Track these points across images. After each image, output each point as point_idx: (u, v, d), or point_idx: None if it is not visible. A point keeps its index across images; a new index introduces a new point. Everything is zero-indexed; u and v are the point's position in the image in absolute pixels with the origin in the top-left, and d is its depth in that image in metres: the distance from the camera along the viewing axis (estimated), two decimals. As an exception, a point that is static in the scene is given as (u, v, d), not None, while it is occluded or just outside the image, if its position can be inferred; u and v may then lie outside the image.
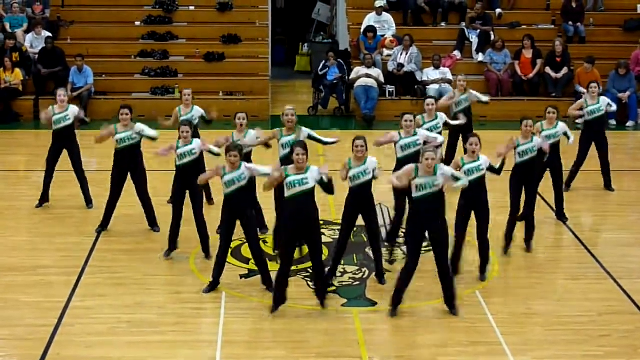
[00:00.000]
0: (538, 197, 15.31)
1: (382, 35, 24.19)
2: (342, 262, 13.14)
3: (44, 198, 15.67)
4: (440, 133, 14.64)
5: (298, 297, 12.01)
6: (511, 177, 13.75)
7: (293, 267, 12.73)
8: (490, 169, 12.51)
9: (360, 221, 12.53)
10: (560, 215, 15.29)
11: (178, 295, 12.33)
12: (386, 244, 13.59)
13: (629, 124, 22.61)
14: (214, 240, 12.96)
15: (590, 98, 16.66)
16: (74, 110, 15.42)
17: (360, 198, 12.32)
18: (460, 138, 16.33)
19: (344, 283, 12.68)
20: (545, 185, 15.23)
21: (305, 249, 12.85)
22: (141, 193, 14.44)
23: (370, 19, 24.49)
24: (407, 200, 12.92)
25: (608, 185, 17.08)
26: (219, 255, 12.25)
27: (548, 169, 14.85)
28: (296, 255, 12.55)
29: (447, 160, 15.63)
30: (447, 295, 11.74)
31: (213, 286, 12.30)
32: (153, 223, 14.57)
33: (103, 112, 21.92)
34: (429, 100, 15.06)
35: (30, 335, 11.08)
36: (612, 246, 14.40)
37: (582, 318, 11.71)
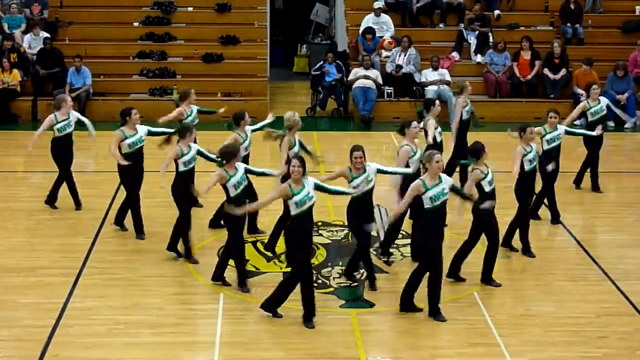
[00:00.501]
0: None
1: (381, 37, 24.20)
2: (340, 263, 13.17)
3: (77, 203, 15.66)
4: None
5: (296, 298, 11.99)
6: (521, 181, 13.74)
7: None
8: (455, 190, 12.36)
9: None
10: (555, 218, 15.32)
11: (176, 296, 12.33)
12: (380, 253, 13.60)
13: (627, 125, 22.62)
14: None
15: (591, 100, 16.74)
16: (75, 116, 15.41)
17: (363, 205, 12.32)
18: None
19: (341, 284, 12.68)
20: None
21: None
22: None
23: (368, 20, 24.49)
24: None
25: (596, 187, 17.10)
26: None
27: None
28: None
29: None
30: (435, 299, 11.72)
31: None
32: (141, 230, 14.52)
33: (101, 113, 21.91)
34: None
35: (28, 336, 11.07)
36: (610, 247, 14.41)
37: (580, 319, 11.72)
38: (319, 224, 14.56)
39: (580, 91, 21.23)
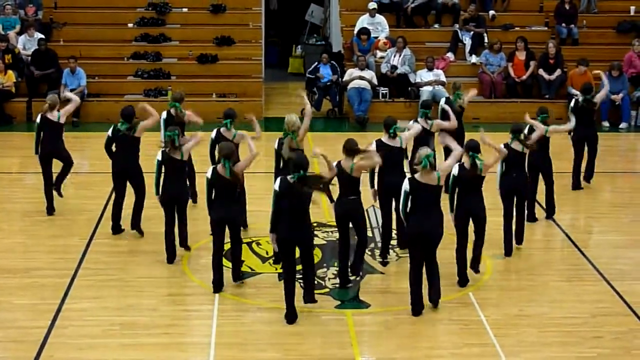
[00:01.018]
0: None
1: (376, 37, 24.20)
2: (335, 264, 13.17)
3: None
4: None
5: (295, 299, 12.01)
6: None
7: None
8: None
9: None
10: (549, 214, 15.45)
11: (171, 297, 12.33)
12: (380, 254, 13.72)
13: (622, 125, 22.64)
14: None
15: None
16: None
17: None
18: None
19: (337, 285, 12.68)
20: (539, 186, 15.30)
21: None
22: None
23: (363, 21, 24.49)
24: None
25: (578, 185, 17.24)
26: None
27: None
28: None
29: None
30: (435, 291, 11.85)
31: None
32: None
33: (96, 114, 21.91)
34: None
35: (23, 337, 11.06)
36: (605, 248, 14.42)
37: (575, 320, 11.73)
38: (314, 224, 14.55)
39: (575, 91, 21.22)
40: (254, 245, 13.95)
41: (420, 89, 22.73)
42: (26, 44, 23.49)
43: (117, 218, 14.45)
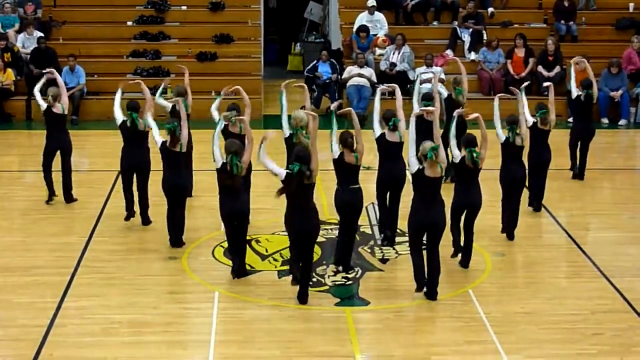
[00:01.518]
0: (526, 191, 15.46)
1: (375, 35, 24.20)
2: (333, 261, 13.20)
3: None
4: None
5: (292, 296, 12.01)
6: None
7: (285, 267, 12.83)
8: None
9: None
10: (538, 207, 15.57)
11: (171, 295, 12.32)
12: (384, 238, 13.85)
13: (621, 122, 22.65)
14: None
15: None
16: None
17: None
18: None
19: (337, 282, 12.69)
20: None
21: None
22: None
23: (362, 19, 24.49)
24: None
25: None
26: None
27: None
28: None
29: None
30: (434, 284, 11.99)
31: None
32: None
33: (95, 113, 21.90)
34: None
35: (23, 335, 11.06)
36: (605, 245, 14.41)
37: (575, 317, 11.73)
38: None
39: (574, 89, 21.19)
40: (253, 242, 13.94)
41: (420, 85, 22.69)
42: (25, 42, 23.48)
43: (131, 205, 14.68)
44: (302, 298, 11.88)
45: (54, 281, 12.62)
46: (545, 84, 15.71)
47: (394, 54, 23.27)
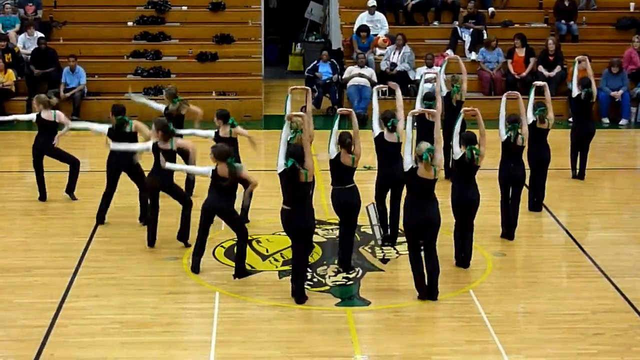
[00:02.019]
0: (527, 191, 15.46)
1: (375, 35, 24.20)
2: (335, 262, 13.19)
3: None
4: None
5: (290, 297, 12.01)
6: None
7: (286, 267, 12.82)
8: None
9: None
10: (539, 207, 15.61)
11: (171, 295, 12.31)
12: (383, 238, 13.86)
13: (622, 122, 22.66)
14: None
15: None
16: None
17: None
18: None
19: (337, 282, 12.68)
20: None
21: None
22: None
23: (362, 18, 24.50)
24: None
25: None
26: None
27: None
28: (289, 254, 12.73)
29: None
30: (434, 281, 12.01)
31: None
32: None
33: (95, 113, 21.90)
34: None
35: (24, 336, 11.05)
36: (606, 244, 14.40)
37: (576, 316, 11.72)
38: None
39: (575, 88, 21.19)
40: (254, 242, 13.94)
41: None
42: (26, 42, 23.50)
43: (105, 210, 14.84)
44: (299, 297, 11.91)
45: (54, 282, 12.62)
46: (539, 83, 15.65)
47: (394, 54, 23.28)
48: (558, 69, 23.16)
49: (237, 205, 13.21)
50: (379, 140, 13.53)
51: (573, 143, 17.36)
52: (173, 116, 15.30)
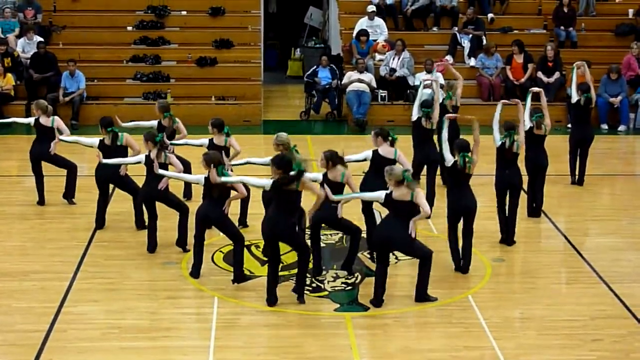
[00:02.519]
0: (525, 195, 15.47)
1: (375, 40, 24.22)
2: (334, 266, 13.19)
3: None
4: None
5: (291, 302, 12.01)
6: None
7: (285, 272, 12.81)
8: None
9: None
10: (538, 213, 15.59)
11: (170, 300, 12.30)
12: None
13: (621, 128, 22.68)
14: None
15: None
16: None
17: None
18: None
19: (336, 288, 12.68)
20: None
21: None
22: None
23: (362, 24, 24.52)
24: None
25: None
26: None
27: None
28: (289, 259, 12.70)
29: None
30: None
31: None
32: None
33: (95, 117, 21.76)
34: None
35: (22, 341, 11.05)
36: (604, 250, 14.40)
37: (575, 322, 11.72)
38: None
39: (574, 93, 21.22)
40: (252, 248, 13.94)
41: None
42: (25, 47, 23.51)
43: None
44: (271, 300, 11.98)
45: (53, 286, 12.61)
46: (535, 89, 15.68)
47: (393, 59, 23.29)
48: (557, 75, 23.18)
49: (233, 211, 13.21)
50: (374, 155, 13.49)
51: (572, 149, 17.39)
52: (166, 130, 15.30)
